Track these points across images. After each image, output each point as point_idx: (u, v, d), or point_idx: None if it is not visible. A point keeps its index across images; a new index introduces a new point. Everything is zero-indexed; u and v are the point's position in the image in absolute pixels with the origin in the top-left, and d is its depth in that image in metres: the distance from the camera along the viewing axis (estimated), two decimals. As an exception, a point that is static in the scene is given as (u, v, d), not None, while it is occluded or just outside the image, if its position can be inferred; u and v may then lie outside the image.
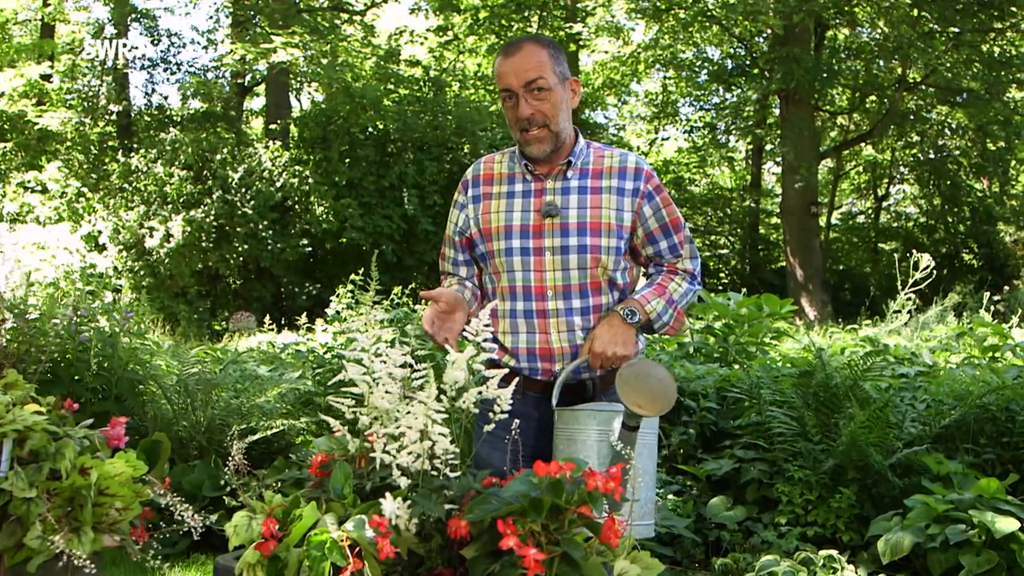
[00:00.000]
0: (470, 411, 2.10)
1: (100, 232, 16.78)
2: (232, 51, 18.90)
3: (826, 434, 4.88)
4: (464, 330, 2.23)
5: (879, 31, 20.13)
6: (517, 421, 2.23)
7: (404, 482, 2.01)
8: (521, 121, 2.68)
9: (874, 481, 4.72)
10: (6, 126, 19.41)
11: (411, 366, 2.19)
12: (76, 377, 5.04)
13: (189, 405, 5.15)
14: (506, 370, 2.19)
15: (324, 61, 18.62)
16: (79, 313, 5.06)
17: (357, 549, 1.89)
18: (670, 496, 4.90)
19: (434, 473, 2.04)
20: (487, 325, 2.17)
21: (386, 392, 2.15)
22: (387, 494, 1.93)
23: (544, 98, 2.67)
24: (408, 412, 2.04)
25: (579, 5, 23.30)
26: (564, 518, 1.88)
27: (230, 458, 2.23)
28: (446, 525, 1.93)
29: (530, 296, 2.74)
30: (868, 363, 5.44)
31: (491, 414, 2.12)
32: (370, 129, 18.85)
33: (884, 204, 28.39)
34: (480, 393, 2.11)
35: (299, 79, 21.07)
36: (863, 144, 24.73)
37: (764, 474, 4.93)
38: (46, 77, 20.26)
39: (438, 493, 1.99)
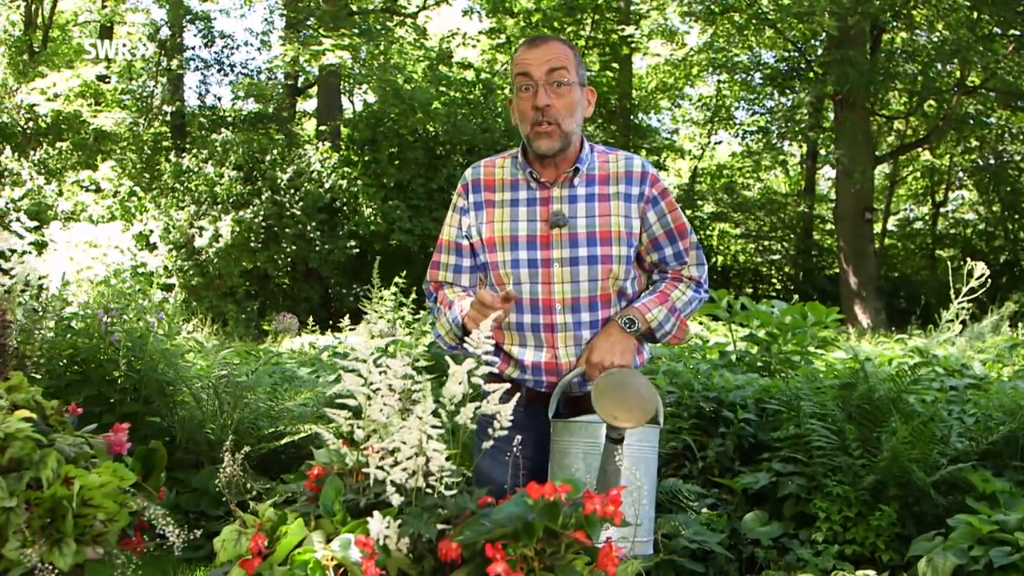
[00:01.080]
0: (468, 427, 2.01)
1: (151, 231, 16.94)
2: (284, 52, 19.01)
3: (867, 448, 4.72)
4: (465, 341, 2.14)
5: (937, 34, 19.73)
6: (519, 437, 2.13)
7: (397, 499, 1.92)
8: (535, 112, 2.58)
9: (916, 499, 4.55)
10: (63, 125, 19.69)
11: (412, 378, 2.11)
12: (107, 378, 5.02)
13: (218, 408, 5.11)
14: (507, 385, 2.09)
15: (374, 63, 18.66)
16: (111, 313, 5.04)
17: (343, 570, 1.81)
18: (704, 510, 4.77)
19: (428, 491, 1.95)
20: (489, 337, 2.08)
21: (384, 405, 2.06)
22: (375, 512, 1.84)
23: (563, 93, 2.59)
24: (403, 426, 1.95)
25: (632, 8, 23.18)
26: (560, 542, 1.78)
27: (221, 469, 2.15)
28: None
29: (537, 309, 2.64)
30: (915, 375, 5.27)
31: (491, 430, 2.03)
32: (419, 131, 18.85)
33: (942, 210, 27.86)
34: (478, 408, 2.02)
35: (350, 81, 21.14)
36: (921, 149, 24.29)
37: (802, 489, 4.77)
38: (103, 78, 20.54)
39: (430, 512, 1.89)
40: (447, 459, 1.96)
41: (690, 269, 2.77)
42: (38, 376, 3.78)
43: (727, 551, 4.53)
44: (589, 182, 2.67)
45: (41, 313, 4.70)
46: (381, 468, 1.96)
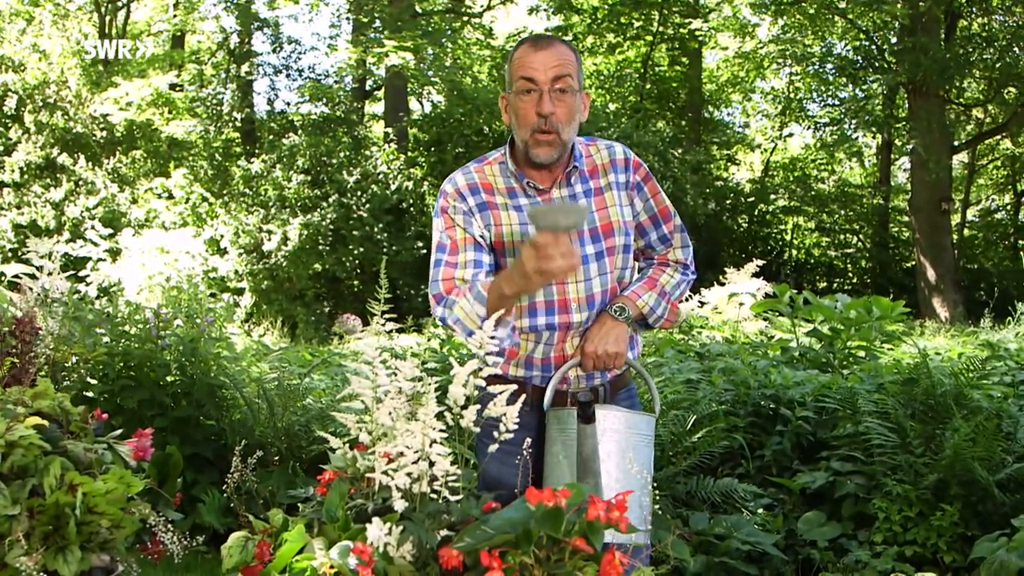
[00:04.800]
0: (471, 430, 1.96)
1: (222, 236, 17.17)
2: (349, 56, 19.14)
3: (930, 446, 4.56)
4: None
5: (1015, 18, 19.17)
6: (528, 440, 2.09)
7: (401, 505, 1.87)
8: (539, 120, 2.51)
9: (980, 498, 4.38)
10: (136, 134, 20.07)
11: (421, 379, 2.06)
12: (160, 383, 5.07)
13: (268, 411, 5.13)
14: (514, 386, 2.04)
15: (438, 64, 18.70)
16: (162, 317, 5.08)
17: (342, 578, 1.76)
18: (760, 510, 4.65)
19: (433, 496, 1.90)
20: (493, 338, 2.02)
21: (392, 408, 2.02)
22: (375, 519, 1.79)
23: (565, 100, 2.52)
24: (406, 430, 1.90)
25: (701, 2, 22.94)
26: (564, 549, 1.72)
27: (229, 474, 2.13)
28: (440, 553, 1.79)
29: (553, 310, 2.60)
30: (984, 369, 5.10)
31: (496, 432, 1.97)
32: (485, 131, 18.85)
33: (1024, 199, 27.07)
34: (482, 410, 1.97)
35: (416, 83, 21.24)
36: (1000, 137, 23.64)
37: (861, 488, 4.62)
38: (175, 87, 20.90)
39: (433, 518, 1.84)
40: (453, 463, 1.91)
41: (676, 252, 2.76)
42: (68, 382, 3.81)
43: (782, 553, 4.41)
44: (583, 178, 2.65)
45: (91, 320, 4.74)
46: (386, 473, 1.92)
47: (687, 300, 9.91)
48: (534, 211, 2.23)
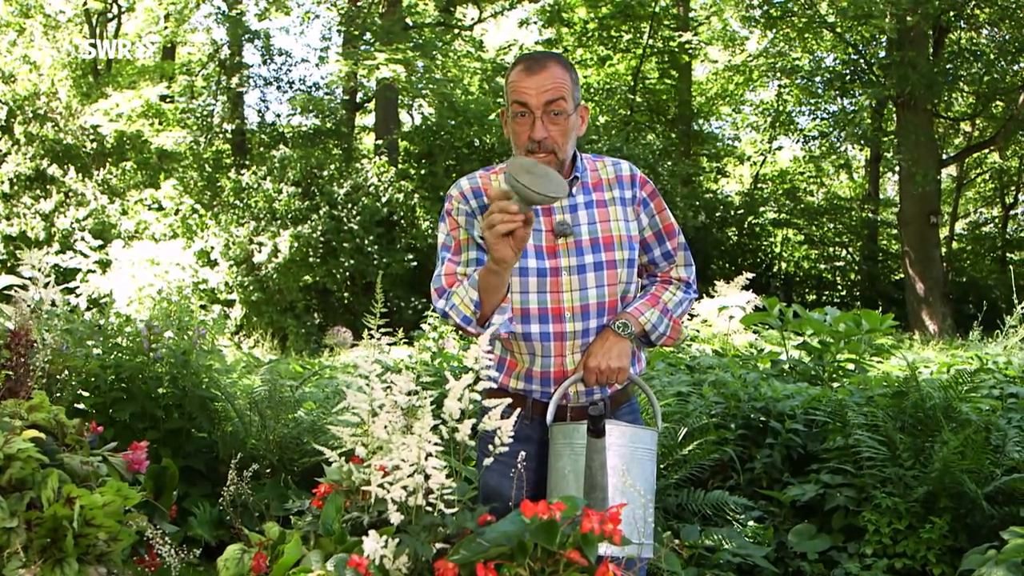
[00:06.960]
0: (467, 443, 1.97)
1: (212, 248, 17.16)
2: (340, 69, 19.18)
3: (919, 459, 4.59)
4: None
5: (1002, 33, 19.31)
6: (523, 453, 2.10)
7: (397, 517, 1.88)
8: (531, 142, 2.54)
9: (969, 510, 4.41)
10: (127, 145, 20.06)
11: (417, 393, 2.08)
12: (152, 395, 5.06)
13: (260, 423, 5.13)
14: (508, 400, 2.06)
15: (428, 76, 18.76)
16: (153, 330, 5.08)
17: (339, 590, 1.78)
18: (750, 523, 4.67)
19: (429, 509, 1.91)
20: (488, 351, 2.04)
21: (388, 422, 2.03)
22: (371, 531, 1.81)
23: (559, 123, 2.55)
24: (402, 443, 1.92)
25: (691, 15, 23.05)
26: (559, 562, 1.73)
27: (225, 488, 2.14)
28: (436, 566, 1.80)
29: (547, 318, 2.60)
30: (974, 382, 5.12)
31: (491, 446, 1.99)
32: (476, 143, 18.88)
33: (1012, 212, 27.20)
34: (477, 424, 1.99)
35: (408, 95, 21.29)
36: (988, 151, 23.76)
37: (851, 501, 4.65)
38: (166, 98, 20.91)
39: (429, 531, 1.86)
40: (448, 476, 1.92)
41: (678, 270, 2.79)
42: (61, 394, 3.82)
43: (772, 565, 4.43)
44: (586, 190, 2.66)
45: (82, 333, 4.74)
46: (381, 486, 1.93)
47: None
48: (513, 167, 2.27)
